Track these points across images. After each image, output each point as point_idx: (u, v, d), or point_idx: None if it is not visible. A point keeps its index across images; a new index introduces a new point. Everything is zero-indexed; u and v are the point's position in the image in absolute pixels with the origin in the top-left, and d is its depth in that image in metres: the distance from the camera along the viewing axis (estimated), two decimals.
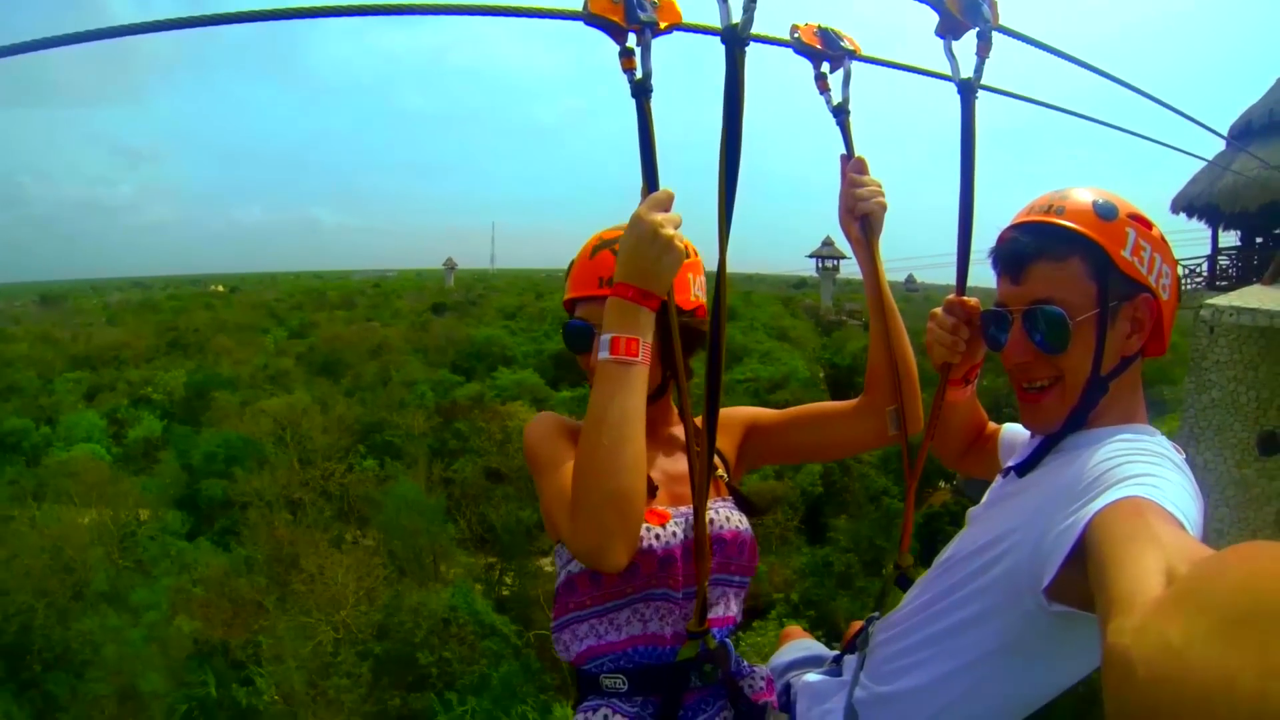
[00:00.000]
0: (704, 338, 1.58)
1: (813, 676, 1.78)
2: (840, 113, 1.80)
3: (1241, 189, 15.28)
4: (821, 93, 1.81)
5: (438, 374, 37.07)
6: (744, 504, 1.74)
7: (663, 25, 1.42)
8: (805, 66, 1.83)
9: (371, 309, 62.40)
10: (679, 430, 1.76)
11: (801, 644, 2.05)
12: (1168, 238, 1.44)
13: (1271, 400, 11.36)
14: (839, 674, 1.72)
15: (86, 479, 26.92)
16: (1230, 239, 17.48)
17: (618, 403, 1.34)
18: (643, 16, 1.40)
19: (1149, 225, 1.39)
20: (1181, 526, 0.98)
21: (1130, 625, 0.71)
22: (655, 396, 1.64)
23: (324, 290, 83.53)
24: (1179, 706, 0.59)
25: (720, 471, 1.76)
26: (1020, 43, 1.82)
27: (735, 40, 1.33)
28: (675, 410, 1.75)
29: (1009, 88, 2.10)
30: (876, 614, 1.72)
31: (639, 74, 1.39)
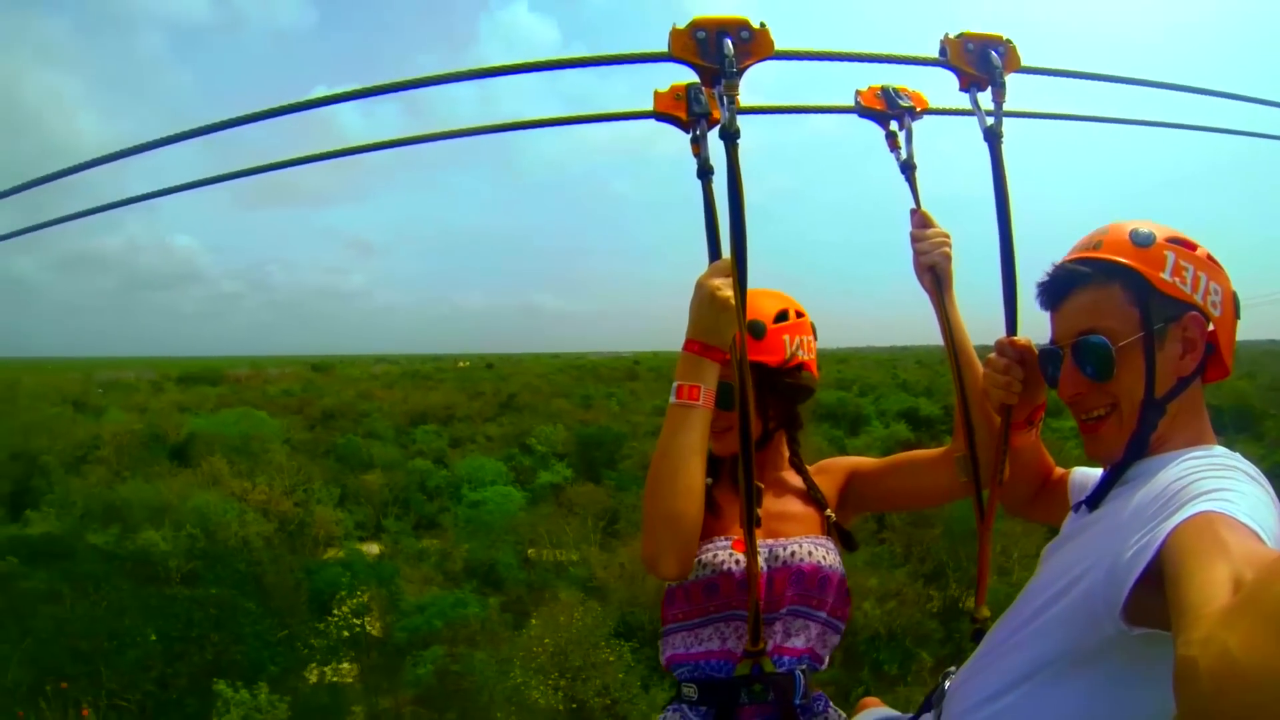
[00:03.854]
0: (808, 393, 1.89)
1: None
2: (907, 169, 1.88)
3: None
4: (892, 150, 1.89)
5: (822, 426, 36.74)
6: (844, 539, 1.89)
7: (716, 117, 1.64)
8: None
9: (656, 382, 61.26)
10: (788, 475, 1.95)
11: (878, 711, 2.04)
12: None
13: None
14: None
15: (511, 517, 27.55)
16: None
17: (679, 440, 1.60)
18: (697, 110, 1.70)
19: (1192, 247, 1.41)
20: (1256, 537, 0.98)
21: (1196, 637, 0.74)
22: (761, 443, 1.83)
23: (594, 366, 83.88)
24: (1241, 713, 0.61)
25: (829, 511, 1.89)
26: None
27: (727, 135, 1.57)
28: (785, 456, 1.97)
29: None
30: (953, 669, 1.73)
31: (702, 157, 1.67)
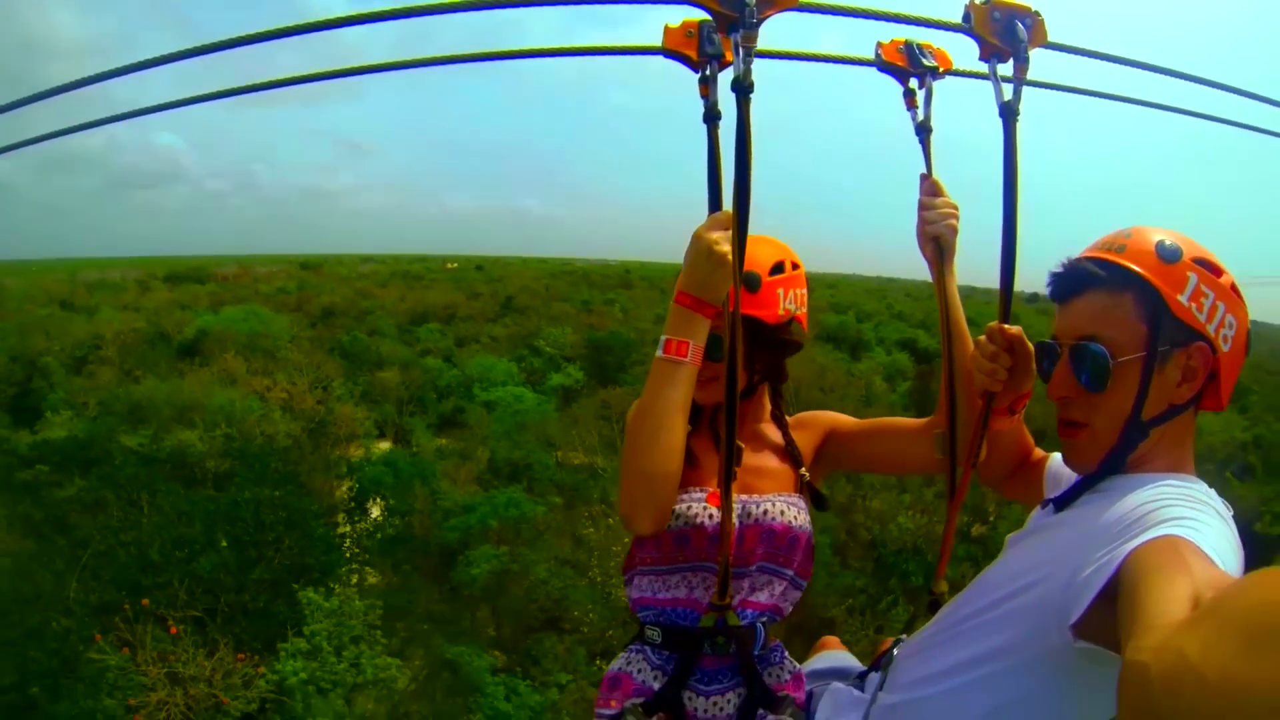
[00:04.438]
0: (796, 347, 1.84)
1: (837, 684, 1.82)
2: (922, 131, 1.80)
3: None
4: (909, 109, 1.81)
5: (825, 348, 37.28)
6: (815, 498, 1.87)
7: (729, 59, 1.55)
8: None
9: (651, 291, 60.98)
10: (768, 428, 1.93)
11: (834, 655, 2.10)
12: None
13: None
14: (862, 689, 1.76)
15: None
16: None
17: (663, 397, 1.57)
18: (710, 50, 1.57)
19: (1218, 272, 1.36)
20: (1216, 566, 0.98)
21: (1149, 644, 0.72)
22: (745, 395, 1.79)
23: (584, 271, 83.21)
24: (1193, 717, 0.60)
25: (803, 470, 1.86)
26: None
27: (740, 89, 1.46)
28: (767, 409, 1.94)
29: None
30: (904, 636, 1.79)
31: (710, 100, 1.56)
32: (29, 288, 53.52)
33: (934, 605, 1.79)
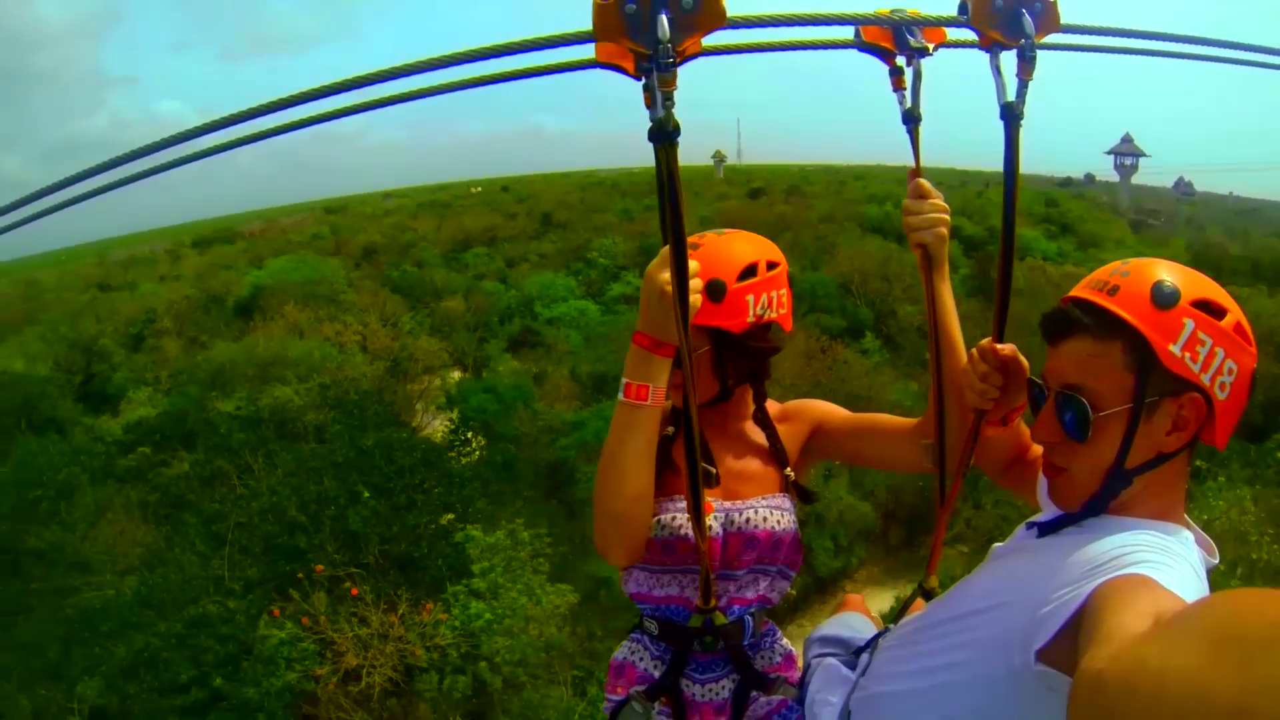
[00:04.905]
0: (773, 351, 1.81)
1: (832, 661, 1.86)
2: (910, 120, 1.67)
3: None
4: (895, 91, 1.68)
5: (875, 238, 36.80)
6: (801, 495, 1.89)
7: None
8: None
9: (685, 191, 58.90)
10: (750, 428, 1.90)
11: (850, 619, 2.10)
12: None
13: None
14: (854, 668, 1.78)
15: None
16: None
17: (628, 443, 1.56)
18: (645, 64, 1.36)
19: (1220, 313, 1.28)
20: (1179, 598, 0.98)
21: (1105, 653, 0.75)
22: (718, 400, 1.80)
23: (612, 181, 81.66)
24: (1149, 718, 0.60)
25: (788, 469, 1.86)
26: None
27: (663, 135, 1.31)
28: (750, 409, 1.90)
29: None
30: (892, 625, 1.80)
31: (657, 115, 1.32)
32: (63, 277, 53.29)
33: (928, 595, 1.87)
